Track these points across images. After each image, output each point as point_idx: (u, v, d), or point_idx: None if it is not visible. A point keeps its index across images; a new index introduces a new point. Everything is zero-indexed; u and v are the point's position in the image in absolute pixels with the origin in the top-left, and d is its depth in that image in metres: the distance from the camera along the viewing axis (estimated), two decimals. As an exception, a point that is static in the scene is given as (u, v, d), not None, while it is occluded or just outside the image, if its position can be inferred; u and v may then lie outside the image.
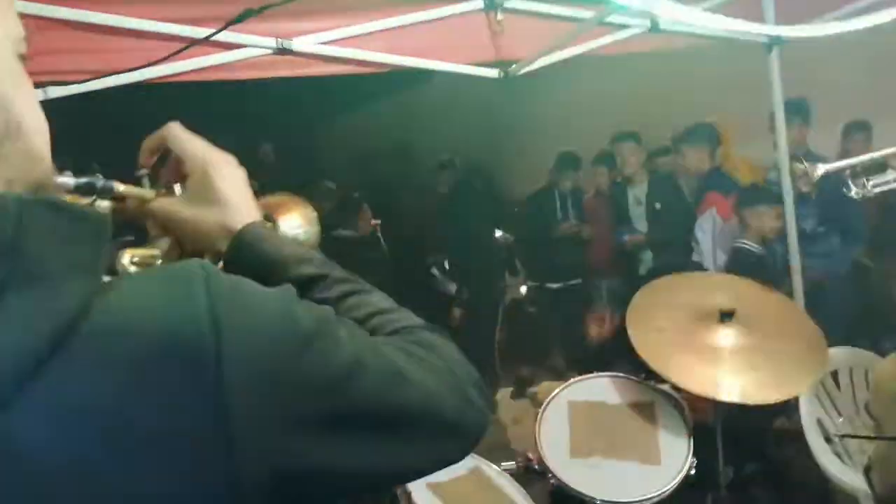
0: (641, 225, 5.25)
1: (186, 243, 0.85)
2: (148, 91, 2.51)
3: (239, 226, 0.82)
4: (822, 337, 2.27)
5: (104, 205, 0.79)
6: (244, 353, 0.58)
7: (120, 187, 0.81)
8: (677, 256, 4.86)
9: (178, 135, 0.82)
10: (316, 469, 0.62)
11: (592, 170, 6.02)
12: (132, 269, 0.80)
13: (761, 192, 4.13)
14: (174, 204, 0.83)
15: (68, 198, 0.75)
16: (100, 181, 0.79)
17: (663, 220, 5.07)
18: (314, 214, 1.03)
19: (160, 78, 2.45)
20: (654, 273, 3.29)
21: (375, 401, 0.67)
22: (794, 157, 2.36)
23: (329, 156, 8.28)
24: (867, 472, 1.33)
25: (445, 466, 0.78)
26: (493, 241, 6.37)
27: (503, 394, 5.89)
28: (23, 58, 0.63)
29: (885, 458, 1.21)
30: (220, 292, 0.60)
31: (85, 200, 0.77)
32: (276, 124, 7.72)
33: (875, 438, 1.20)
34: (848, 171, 2.30)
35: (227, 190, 0.81)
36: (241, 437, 0.57)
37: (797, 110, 4.36)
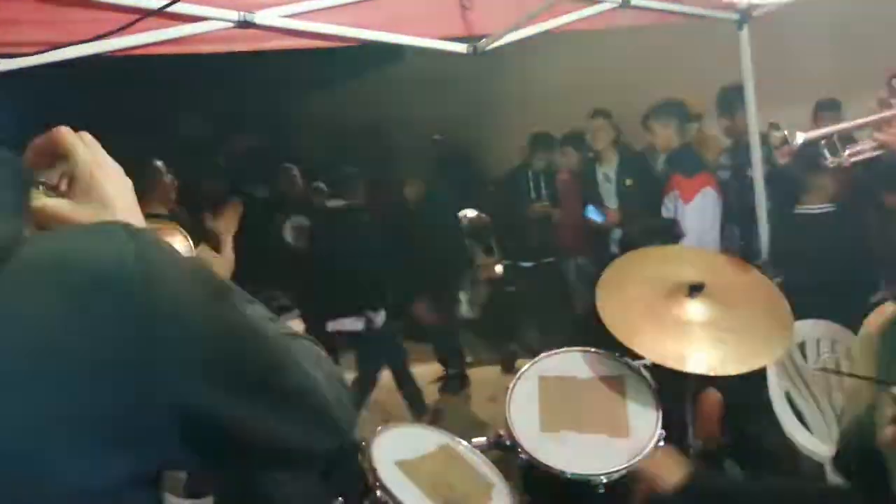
0: (612, 202, 5.25)
1: None
2: (110, 65, 2.45)
3: None
4: (789, 311, 2.27)
5: None
6: (168, 289, 0.66)
7: None
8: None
9: (66, 137, 0.82)
10: (216, 418, 0.68)
11: (562, 149, 6.01)
12: None
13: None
14: (60, 203, 0.83)
15: None
16: None
17: (633, 197, 5.08)
18: (189, 244, 1.15)
19: (119, 50, 2.38)
20: (623, 244, 3.23)
21: (272, 369, 0.74)
22: (772, 125, 2.35)
23: (301, 133, 8.18)
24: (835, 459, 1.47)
25: (310, 461, 0.89)
26: (460, 222, 6.35)
27: (483, 371, 5.93)
28: None
29: (855, 392, 1.39)
30: (144, 238, 0.68)
31: None
32: (248, 102, 7.63)
33: (850, 375, 1.32)
34: (823, 142, 2.30)
35: (112, 194, 0.82)
36: (163, 367, 0.63)
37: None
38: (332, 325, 4.67)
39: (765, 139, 2.65)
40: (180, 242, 1.07)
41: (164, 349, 0.63)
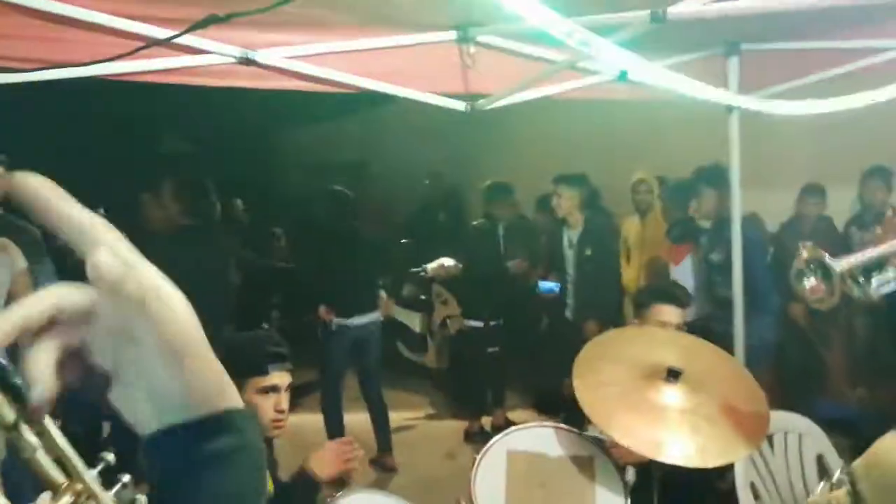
0: (570, 268, 5.28)
1: None
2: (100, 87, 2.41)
3: None
4: (765, 402, 2.26)
5: None
6: None
7: None
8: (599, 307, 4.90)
9: None
10: None
11: (537, 211, 6.05)
12: None
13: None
14: None
15: None
16: None
17: (589, 267, 5.11)
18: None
19: (117, 75, 2.35)
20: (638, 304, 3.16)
21: None
22: (803, 268, 2.10)
23: (284, 167, 8.16)
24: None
25: None
26: (420, 274, 6.30)
27: (442, 426, 5.84)
28: None
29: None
30: None
31: None
32: (229, 130, 7.57)
33: None
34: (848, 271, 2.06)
35: None
36: None
37: (716, 178, 4.41)
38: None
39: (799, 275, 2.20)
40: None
41: None
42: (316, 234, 5.49)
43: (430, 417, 6.08)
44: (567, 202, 5.16)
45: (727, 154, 3.56)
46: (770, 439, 2.97)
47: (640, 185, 5.41)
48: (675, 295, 3.01)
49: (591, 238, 5.19)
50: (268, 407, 2.15)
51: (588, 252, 5.15)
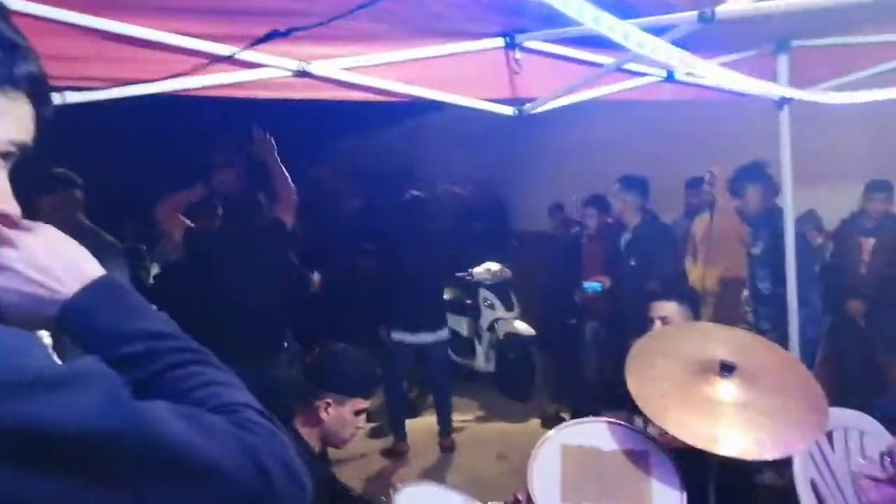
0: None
1: None
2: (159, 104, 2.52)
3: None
4: (823, 396, 2.25)
5: None
6: None
7: None
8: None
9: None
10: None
11: (583, 210, 6.05)
12: None
13: None
14: None
15: None
16: None
17: (631, 272, 5.10)
18: None
19: (180, 91, 2.46)
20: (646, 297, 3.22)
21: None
22: None
23: (333, 176, 8.30)
24: None
25: None
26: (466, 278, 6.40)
27: (493, 427, 5.88)
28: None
29: None
30: None
31: None
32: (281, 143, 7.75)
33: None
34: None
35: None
36: None
37: (758, 175, 4.39)
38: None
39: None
40: None
41: None
42: (388, 245, 5.57)
43: (479, 420, 6.12)
44: (620, 203, 5.17)
45: (776, 151, 3.55)
46: (829, 436, 2.94)
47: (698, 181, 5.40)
48: (674, 292, 3.05)
49: (638, 245, 5.18)
50: (353, 426, 2.26)
51: (632, 262, 5.13)
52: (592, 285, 5.37)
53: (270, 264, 3.82)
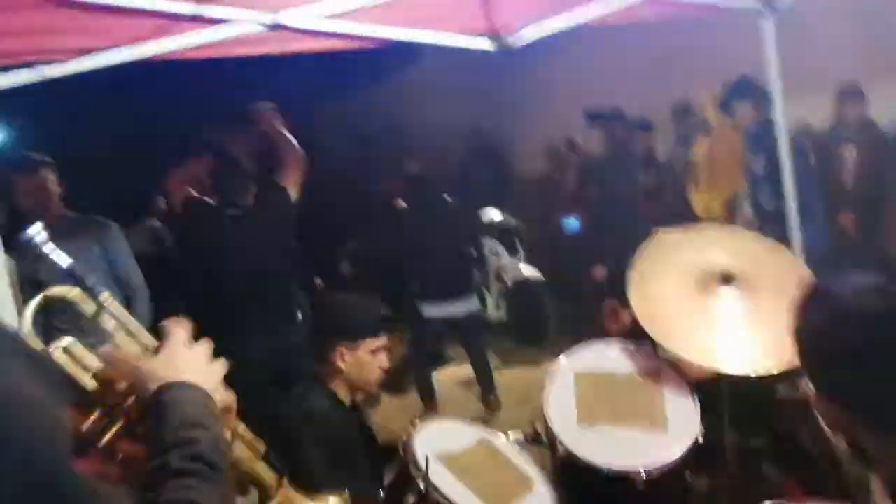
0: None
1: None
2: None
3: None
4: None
5: None
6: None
7: None
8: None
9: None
10: None
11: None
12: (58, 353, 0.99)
13: None
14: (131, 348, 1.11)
15: None
16: None
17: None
18: None
19: (150, 57, 2.40)
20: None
21: None
22: None
23: (329, 135, 8.21)
24: None
25: None
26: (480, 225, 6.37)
27: (512, 374, 5.90)
28: None
29: None
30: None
31: None
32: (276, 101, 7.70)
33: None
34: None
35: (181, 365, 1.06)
36: None
37: (747, 91, 4.33)
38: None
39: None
40: None
41: None
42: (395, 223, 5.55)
43: (496, 369, 6.14)
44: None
45: (758, 66, 3.48)
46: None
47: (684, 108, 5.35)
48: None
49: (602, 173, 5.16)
50: (375, 366, 2.26)
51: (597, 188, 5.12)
52: (572, 224, 5.32)
53: (279, 235, 3.79)
